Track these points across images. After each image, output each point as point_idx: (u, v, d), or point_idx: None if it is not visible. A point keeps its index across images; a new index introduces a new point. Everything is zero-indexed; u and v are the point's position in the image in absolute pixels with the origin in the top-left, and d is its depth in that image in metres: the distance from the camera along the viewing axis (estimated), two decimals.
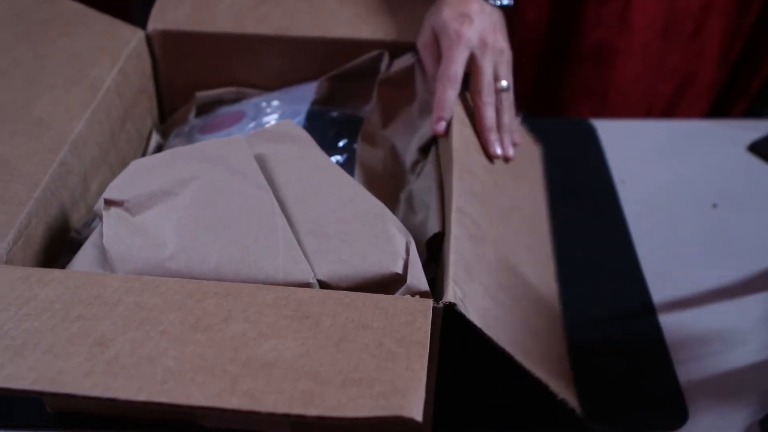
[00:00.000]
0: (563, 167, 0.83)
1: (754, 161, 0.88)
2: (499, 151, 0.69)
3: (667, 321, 0.68)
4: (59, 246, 0.63)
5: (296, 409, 0.40)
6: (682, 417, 0.61)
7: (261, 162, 0.62)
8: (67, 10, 0.74)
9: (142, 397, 0.41)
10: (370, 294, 0.52)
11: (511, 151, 0.71)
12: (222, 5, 0.79)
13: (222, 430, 0.61)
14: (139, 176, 0.60)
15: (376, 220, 0.58)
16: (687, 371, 0.64)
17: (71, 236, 0.64)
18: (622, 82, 1.04)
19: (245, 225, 0.56)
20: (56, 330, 0.46)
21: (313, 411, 0.40)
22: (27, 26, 0.70)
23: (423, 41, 0.73)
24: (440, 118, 0.67)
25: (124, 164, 0.73)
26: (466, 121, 0.69)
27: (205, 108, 0.81)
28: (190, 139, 0.75)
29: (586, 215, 0.80)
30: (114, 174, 0.72)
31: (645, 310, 0.70)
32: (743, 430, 0.60)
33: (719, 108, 1.12)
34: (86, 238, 0.63)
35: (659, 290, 0.71)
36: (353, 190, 0.60)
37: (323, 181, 0.61)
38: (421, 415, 0.40)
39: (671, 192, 0.83)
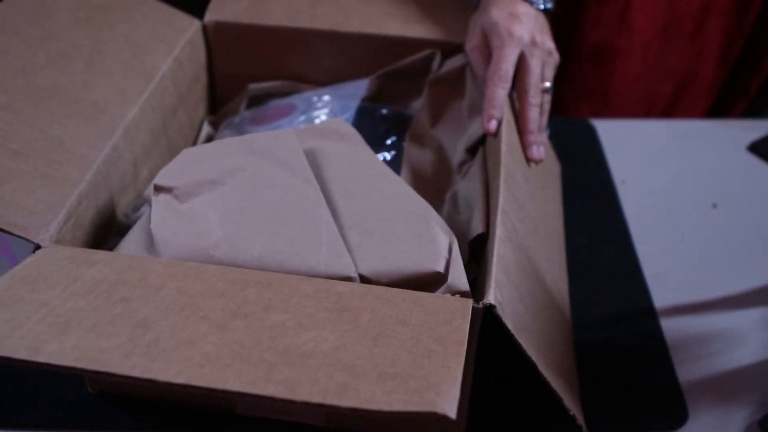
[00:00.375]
0: (563, 167, 0.83)
1: (754, 161, 0.88)
2: (536, 154, 0.69)
3: (668, 321, 0.68)
4: (107, 229, 0.64)
5: (330, 400, 0.40)
6: (682, 417, 0.61)
7: (310, 157, 0.62)
8: None
9: (180, 380, 0.41)
10: (410, 291, 0.52)
11: (543, 154, 0.70)
12: (279, 1, 0.80)
13: (257, 419, 0.61)
14: (189, 164, 0.61)
15: (419, 218, 0.58)
16: (687, 371, 0.64)
17: (120, 220, 0.65)
18: (622, 82, 1.03)
19: (290, 217, 0.57)
20: (100, 310, 0.47)
21: (346, 402, 0.40)
22: (89, 10, 0.71)
23: (472, 43, 0.72)
24: (491, 117, 0.67)
25: (174, 152, 0.75)
26: (513, 124, 0.69)
27: (257, 100, 0.82)
28: (240, 130, 0.76)
29: (586, 215, 0.79)
30: (164, 161, 0.73)
31: (645, 310, 0.70)
32: (743, 430, 0.60)
33: (719, 108, 1.11)
34: (134, 222, 0.65)
35: (659, 290, 0.70)
36: (399, 188, 0.60)
37: (370, 178, 0.61)
38: (455, 413, 0.40)
39: (671, 192, 0.83)
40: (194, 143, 0.79)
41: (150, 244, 0.58)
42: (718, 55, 1.03)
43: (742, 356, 0.65)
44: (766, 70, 1.04)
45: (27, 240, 0.55)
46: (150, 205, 0.61)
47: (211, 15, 0.78)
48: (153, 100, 0.69)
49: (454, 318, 0.49)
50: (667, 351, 0.66)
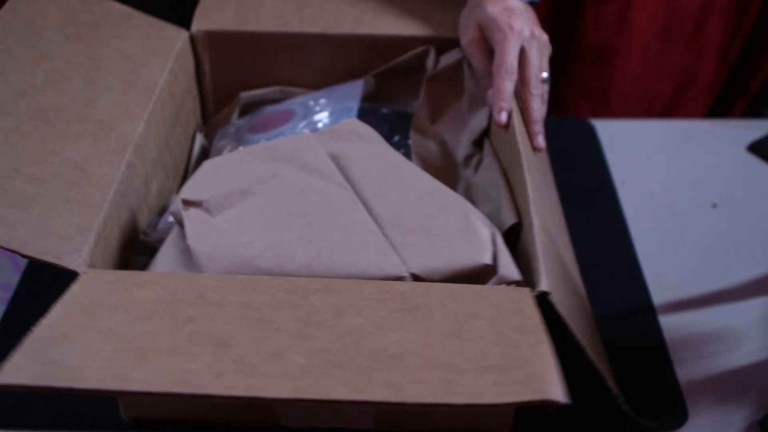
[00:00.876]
0: (563, 167, 0.82)
1: (754, 161, 0.88)
2: (541, 143, 0.70)
3: (667, 321, 0.68)
4: (131, 249, 0.62)
5: (442, 399, 0.40)
6: (682, 417, 0.61)
7: (333, 160, 0.62)
8: (114, 12, 0.72)
9: (284, 394, 0.41)
10: (468, 285, 0.52)
11: (545, 144, 0.71)
12: (266, 5, 0.78)
13: (303, 429, 0.60)
14: (213, 176, 0.60)
15: (458, 212, 0.58)
16: (687, 371, 0.64)
17: (140, 238, 0.63)
18: (622, 82, 1.04)
19: (330, 221, 0.56)
20: (171, 332, 0.45)
21: (458, 399, 0.40)
22: (77, 27, 0.68)
23: (469, 38, 0.73)
24: (501, 109, 0.67)
25: (176, 166, 0.73)
26: (520, 113, 0.70)
27: (247, 108, 0.80)
28: (239, 139, 0.74)
29: (586, 215, 0.79)
30: (168, 176, 0.71)
31: (645, 310, 0.70)
32: (743, 430, 0.60)
33: (719, 108, 1.12)
34: (155, 240, 0.63)
35: (659, 290, 0.70)
36: (431, 184, 0.61)
37: (399, 176, 0.61)
38: (565, 397, 0.41)
39: (671, 192, 0.83)
40: (189, 156, 0.77)
41: (186, 260, 0.57)
42: (718, 55, 1.05)
43: (742, 356, 0.66)
44: (766, 70, 1.06)
45: (62, 267, 0.53)
46: (176, 222, 0.59)
47: (198, 24, 0.76)
48: (156, 114, 0.67)
49: (522, 307, 0.49)
50: (666, 351, 0.66)
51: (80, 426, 0.59)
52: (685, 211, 0.81)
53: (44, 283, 0.69)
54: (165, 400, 0.57)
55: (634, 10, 0.97)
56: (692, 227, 0.79)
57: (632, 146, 0.90)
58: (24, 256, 0.52)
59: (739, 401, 0.62)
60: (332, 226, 0.56)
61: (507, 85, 0.68)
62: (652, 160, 0.88)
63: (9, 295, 0.68)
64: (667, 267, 0.74)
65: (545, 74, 0.71)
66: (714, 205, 0.82)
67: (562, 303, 0.53)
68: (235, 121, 0.78)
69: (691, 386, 0.63)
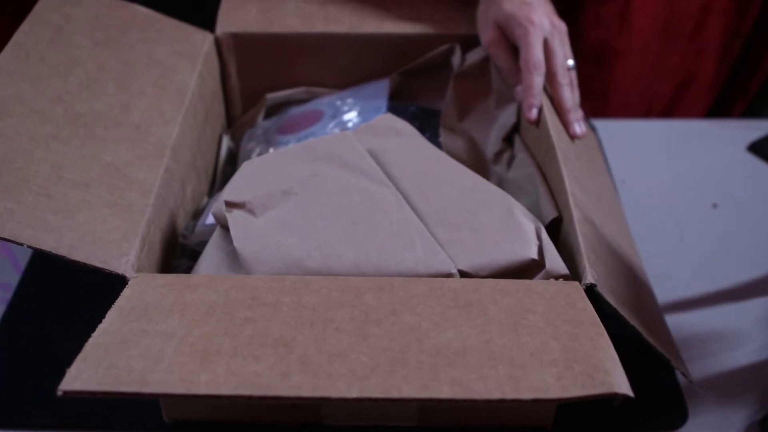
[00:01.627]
0: None
1: (754, 161, 0.88)
2: (579, 130, 0.70)
3: (668, 321, 0.67)
4: (173, 252, 0.62)
5: (510, 395, 0.41)
6: (682, 417, 0.61)
7: (372, 156, 0.62)
8: (139, 16, 0.72)
9: (353, 393, 0.41)
10: (518, 280, 0.52)
11: (585, 128, 0.71)
12: (288, 3, 0.78)
13: (347, 428, 0.60)
14: (254, 177, 0.60)
15: (501, 207, 0.58)
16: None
17: (180, 242, 0.63)
18: (622, 82, 1.04)
19: (375, 220, 0.56)
20: (230, 333, 0.45)
21: (527, 395, 0.40)
22: (105, 32, 0.68)
23: (489, 37, 0.72)
24: (532, 105, 0.68)
25: (206, 169, 0.73)
26: (551, 106, 0.70)
27: (273, 110, 0.80)
28: (268, 141, 0.74)
29: None
30: (200, 179, 0.71)
31: None
32: (743, 430, 0.60)
33: (719, 108, 1.12)
34: (194, 243, 0.63)
35: (659, 290, 0.69)
36: (471, 179, 0.61)
37: (438, 171, 0.61)
38: (631, 391, 0.41)
39: (671, 192, 0.83)
40: (218, 158, 0.77)
41: (231, 262, 0.57)
42: (718, 55, 1.04)
43: (742, 356, 0.66)
44: (766, 70, 1.06)
45: (111, 272, 0.52)
46: (218, 223, 0.59)
47: (222, 27, 0.76)
48: (189, 117, 0.67)
49: (574, 301, 0.50)
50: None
51: (80, 426, 0.59)
52: (685, 211, 0.81)
53: (44, 283, 0.69)
54: (213, 402, 0.57)
55: (634, 10, 0.97)
56: (692, 227, 0.79)
57: (632, 146, 0.90)
58: (72, 262, 0.52)
59: (739, 401, 0.62)
60: (378, 225, 0.56)
61: (537, 80, 0.68)
62: (652, 160, 0.88)
63: (9, 295, 0.68)
64: (667, 267, 0.73)
65: (571, 61, 0.72)
66: (714, 206, 0.81)
67: (612, 292, 0.53)
68: (261, 122, 0.78)
69: (691, 386, 0.62)
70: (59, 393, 0.41)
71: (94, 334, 0.45)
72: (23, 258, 0.72)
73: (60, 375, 0.59)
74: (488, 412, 0.57)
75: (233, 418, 0.60)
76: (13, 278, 0.70)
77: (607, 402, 0.41)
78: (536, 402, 0.40)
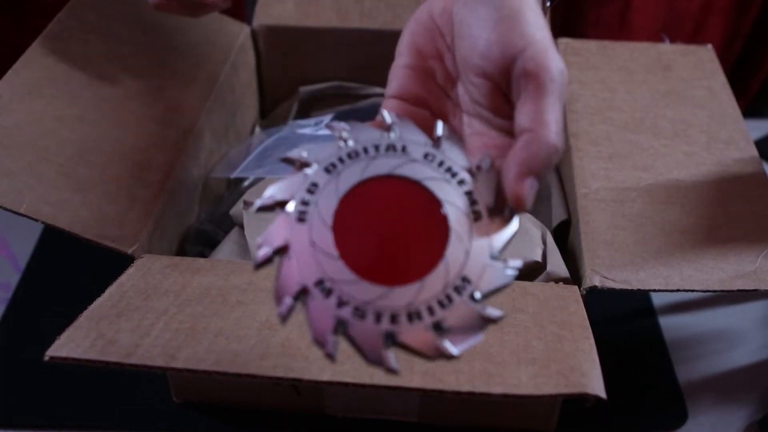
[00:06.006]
0: None
1: None
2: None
3: (667, 321, 0.67)
4: (186, 236, 0.63)
5: (479, 388, 0.41)
6: (682, 417, 0.60)
7: None
8: None
9: (325, 377, 0.41)
10: (515, 281, 0.52)
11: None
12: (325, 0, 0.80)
13: (346, 419, 0.61)
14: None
15: None
16: (687, 371, 0.64)
17: (195, 226, 0.65)
18: None
19: None
20: (220, 314, 0.47)
21: (497, 389, 0.40)
22: (142, 18, 0.70)
23: None
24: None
25: None
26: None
27: (307, 103, 0.81)
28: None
29: None
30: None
31: (644, 310, 0.69)
32: (743, 430, 0.60)
33: None
34: (210, 230, 0.64)
35: None
36: None
37: None
38: (604, 393, 0.40)
39: None
40: (248, 148, 0.78)
41: (243, 252, 0.58)
42: (718, 55, 1.03)
43: (742, 356, 0.65)
44: (766, 70, 1.05)
45: (119, 251, 0.54)
46: (236, 222, 0.61)
47: (259, 19, 0.78)
48: (216, 106, 0.69)
49: (568, 303, 0.49)
50: (667, 351, 0.65)
51: (80, 426, 0.59)
52: None
53: (44, 283, 0.70)
54: (214, 383, 0.58)
55: (634, 10, 0.96)
56: None
57: None
58: (84, 240, 0.53)
59: (739, 401, 0.62)
60: None
61: None
62: None
63: (9, 295, 0.69)
64: None
65: None
66: None
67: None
68: (293, 116, 0.79)
69: (691, 386, 0.63)
70: (46, 358, 0.42)
71: (90, 306, 0.47)
72: (23, 258, 0.72)
73: (60, 375, 0.62)
74: (488, 411, 0.57)
75: (238, 400, 0.61)
76: (13, 278, 0.70)
77: (579, 402, 0.41)
78: (505, 397, 0.40)
